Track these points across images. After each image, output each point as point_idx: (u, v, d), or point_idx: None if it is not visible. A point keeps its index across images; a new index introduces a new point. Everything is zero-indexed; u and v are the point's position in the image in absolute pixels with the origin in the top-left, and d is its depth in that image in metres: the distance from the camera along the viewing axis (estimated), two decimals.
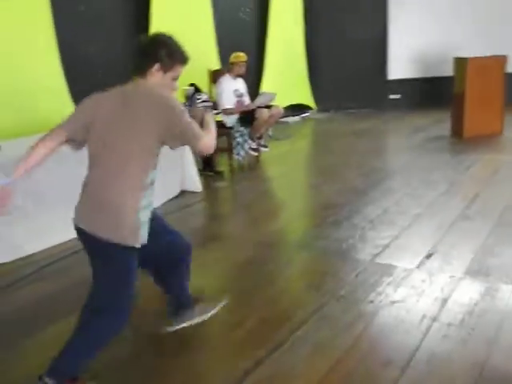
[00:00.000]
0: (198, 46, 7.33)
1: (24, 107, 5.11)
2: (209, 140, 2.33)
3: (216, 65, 7.45)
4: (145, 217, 2.36)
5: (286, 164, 6.68)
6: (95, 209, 2.27)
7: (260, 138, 6.60)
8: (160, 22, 6.65)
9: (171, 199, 5.11)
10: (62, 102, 5.52)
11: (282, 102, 7.63)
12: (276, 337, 2.70)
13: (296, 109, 9.51)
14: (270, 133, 6.94)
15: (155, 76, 2.37)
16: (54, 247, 3.99)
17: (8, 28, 5.00)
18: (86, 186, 2.31)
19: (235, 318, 2.97)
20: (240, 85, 6.58)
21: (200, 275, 3.59)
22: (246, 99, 6.66)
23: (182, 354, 2.63)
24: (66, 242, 4.05)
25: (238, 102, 6.52)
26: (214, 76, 6.77)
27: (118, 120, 2.27)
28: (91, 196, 2.29)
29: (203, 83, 6.39)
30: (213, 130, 2.44)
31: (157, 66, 2.35)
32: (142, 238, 2.31)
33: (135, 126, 2.25)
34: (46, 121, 5.14)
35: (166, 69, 2.37)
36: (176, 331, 2.78)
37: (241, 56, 6.51)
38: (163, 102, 2.28)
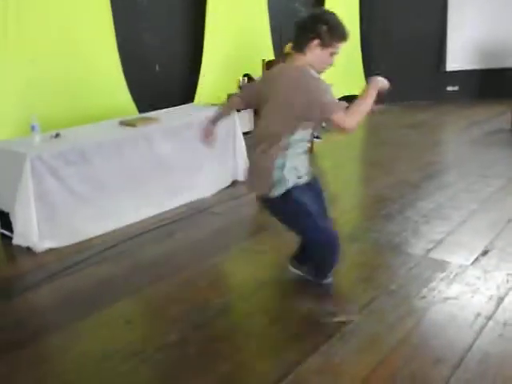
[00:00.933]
0: (253, 37, 7.37)
1: (81, 96, 5.24)
2: (351, 119, 2.44)
3: (270, 55, 7.43)
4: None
5: (339, 156, 6.62)
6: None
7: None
8: (215, 12, 6.70)
9: (224, 189, 5.16)
10: (118, 91, 5.64)
11: (336, 93, 7.56)
12: (325, 330, 2.69)
13: (351, 100, 9.37)
14: (324, 124, 6.88)
15: (314, 51, 2.53)
16: (113, 231, 4.12)
17: (68, 16, 5.13)
18: None
19: (283, 309, 2.98)
20: None
21: (250, 265, 3.63)
22: None
23: (230, 341, 2.66)
24: (122, 228, 4.18)
25: None
26: (269, 66, 6.75)
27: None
28: None
29: (258, 73, 6.40)
30: (365, 106, 2.49)
31: (316, 42, 2.51)
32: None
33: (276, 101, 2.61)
34: (103, 109, 5.29)
35: (325, 45, 2.51)
36: (225, 316, 2.82)
37: None
38: (295, 76, 2.54)
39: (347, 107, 2.48)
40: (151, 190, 4.48)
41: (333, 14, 2.57)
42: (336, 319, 2.77)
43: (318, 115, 2.51)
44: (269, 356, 2.56)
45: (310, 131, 2.76)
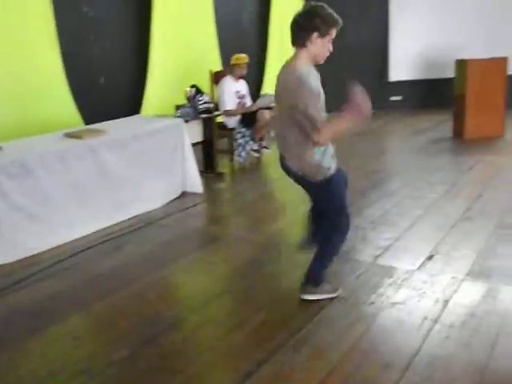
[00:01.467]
0: (200, 48, 7.36)
1: (25, 108, 5.10)
2: (326, 134, 2.69)
3: (218, 66, 7.44)
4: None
5: None
6: None
7: (262, 139, 6.60)
8: (161, 23, 6.65)
9: (172, 200, 5.12)
10: (63, 103, 5.52)
11: None
12: (276, 339, 2.69)
13: None
14: (272, 134, 6.93)
15: (315, 43, 2.78)
16: (60, 246, 4.03)
17: (8, 29, 4.98)
18: None
19: (236, 319, 2.97)
20: (242, 86, 6.58)
21: (201, 276, 3.60)
22: (248, 101, 6.66)
23: (182, 355, 2.63)
24: (69, 242, 4.09)
25: (239, 103, 6.52)
26: (216, 77, 6.76)
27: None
28: None
29: (205, 85, 6.39)
30: (340, 127, 2.73)
31: (315, 34, 2.76)
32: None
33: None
34: (47, 122, 5.17)
35: (323, 34, 2.76)
36: (177, 328, 2.79)
37: (242, 58, 6.50)
38: (289, 81, 2.76)
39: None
40: (98, 203, 4.39)
41: (322, 6, 2.80)
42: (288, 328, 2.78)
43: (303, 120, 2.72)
44: (221, 368, 2.54)
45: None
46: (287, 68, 2.86)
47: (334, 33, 2.81)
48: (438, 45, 9.91)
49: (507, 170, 5.81)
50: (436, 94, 9.92)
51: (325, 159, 2.91)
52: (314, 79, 2.81)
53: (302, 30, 2.79)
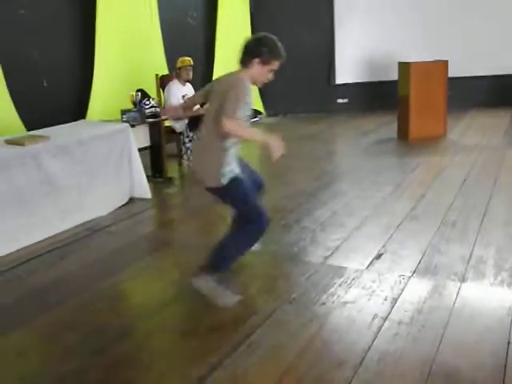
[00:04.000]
0: (146, 52, 7.28)
1: None
2: (233, 125, 2.86)
3: (164, 70, 7.38)
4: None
5: None
6: None
7: None
8: (105, 27, 6.54)
9: (120, 207, 5.02)
10: (3, 108, 5.35)
11: None
12: (229, 343, 2.68)
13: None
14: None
15: (255, 67, 3.07)
16: (2, 257, 3.89)
17: None
18: None
19: (188, 325, 2.94)
20: (188, 90, 6.53)
21: (152, 282, 3.55)
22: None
23: (133, 364, 2.57)
24: (12, 253, 3.96)
25: None
26: (162, 82, 6.69)
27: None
28: None
29: (151, 89, 6.32)
30: (247, 131, 3.04)
31: (257, 60, 3.05)
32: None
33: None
34: None
35: (264, 62, 3.05)
36: (127, 337, 2.73)
37: (186, 60, 6.47)
38: (231, 82, 3.00)
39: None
40: (42, 212, 4.26)
41: (272, 39, 3.09)
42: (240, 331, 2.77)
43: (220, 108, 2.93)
44: (174, 375, 2.50)
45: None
46: (230, 75, 3.15)
47: (275, 65, 3.10)
48: (381, 48, 10.15)
49: (449, 170, 5.99)
50: (381, 96, 10.14)
51: (228, 160, 3.06)
52: (249, 93, 3.03)
53: (247, 53, 3.09)
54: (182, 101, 6.37)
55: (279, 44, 3.10)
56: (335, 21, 10.44)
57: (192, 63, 6.51)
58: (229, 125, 2.85)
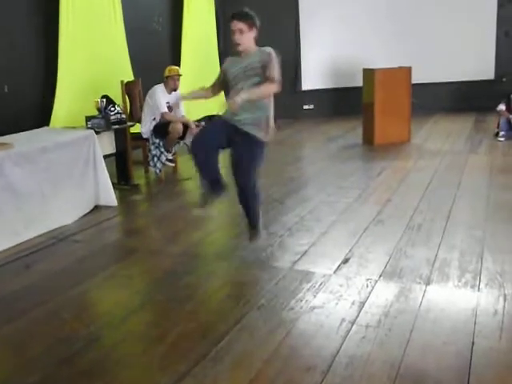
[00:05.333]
0: (110, 58, 7.20)
1: None
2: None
3: (130, 76, 7.32)
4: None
5: None
6: None
7: (169, 151, 6.45)
8: (69, 32, 6.45)
9: (85, 215, 4.95)
10: None
11: (198, 113, 7.61)
12: (197, 350, 2.66)
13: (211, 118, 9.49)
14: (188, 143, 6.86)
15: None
16: None
17: None
18: None
19: (156, 333, 2.91)
20: (172, 98, 6.42)
21: (119, 291, 3.50)
22: (182, 112, 6.51)
23: (100, 373, 2.53)
24: None
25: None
26: (128, 87, 6.64)
27: None
28: None
29: (116, 95, 6.26)
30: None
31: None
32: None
33: None
34: None
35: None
36: (94, 346, 2.69)
37: (174, 69, 6.41)
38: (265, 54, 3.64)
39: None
40: (5, 221, 4.17)
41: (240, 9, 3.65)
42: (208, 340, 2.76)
43: None
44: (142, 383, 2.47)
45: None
46: (253, 50, 3.73)
47: (231, 25, 3.62)
48: (346, 55, 10.28)
49: (414, 174, 6.10)
50: (346, 102, 10.26)
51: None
52: (228, 61, 3.80)
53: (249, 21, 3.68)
54: (165, 107, 6.30)
55: (239, 10, 3.68)
56: (300, 28, 10.55)
57: (180, 72, 6.46)
58: (275, 88, 3.48)
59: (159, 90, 6.30)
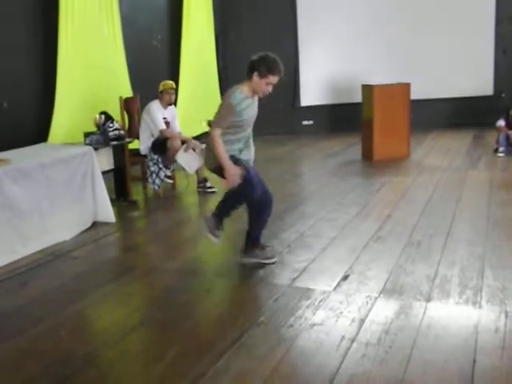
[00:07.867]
0: (109, 74, 7.22)
1: None
2: (214, 134, 3.68)
3: (128, 92, 7.33)
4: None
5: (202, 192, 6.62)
6: None
7: (168, 167, 6.43)
8: (68, 48, 6.47)
9: (84, 231, 4.93)
10: None
11: (196, 129, 7.63)
12: (196, 369, 2.62)
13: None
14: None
15: (255, 79, 3.68)
16: None
17: None
18: None
19: (154, 352, 2.87)
20: (169, 113, 6.42)
21: (116, 308, 3.47)
22: (176, 127, 6.51)
23: None
24: None
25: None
26: (126, 104, 6.65)
27: None
28: None
29: (115, 111, 6.26)
30: (219, 149, 3.66)
31: (256, 73, 3.65)
32: None
33: None
34: None
35: (261, 76, 3.64)
36: (92, 365, 2.65)
37: (168, 84, 6.41)
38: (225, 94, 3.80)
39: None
40: (3, 237, 4.14)
41: (272, 56, 3.66)
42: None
43: None
44: None
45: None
46: (233, 86, 3.76)
47: (271, 79, 3.65)
48: (345, 71, 10.33)
49: (413, 190, 6.08)
50: (345, 118, 10.29)
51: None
52: (244, 103, 3.70)
53: (250, 67, 3.67)
54: (163, 124, 6.28)
55: (278, 61, 3.65)
56: (299, 44, 10.62)
57: (174, 86, 6.46)
58: (212, 134, 3.68)
59: (155, 107, 6.29)
